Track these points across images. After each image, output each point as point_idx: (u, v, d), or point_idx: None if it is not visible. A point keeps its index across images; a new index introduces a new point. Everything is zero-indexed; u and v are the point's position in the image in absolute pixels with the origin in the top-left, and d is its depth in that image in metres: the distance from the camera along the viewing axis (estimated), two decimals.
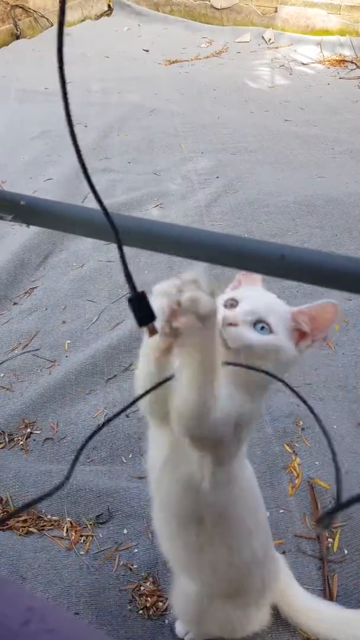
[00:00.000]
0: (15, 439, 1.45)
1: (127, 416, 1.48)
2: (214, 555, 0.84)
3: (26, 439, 1.45)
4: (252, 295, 0.78)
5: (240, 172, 2.76)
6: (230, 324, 0.71)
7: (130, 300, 0.54)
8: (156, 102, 3.75)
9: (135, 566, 1.17)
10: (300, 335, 0.76)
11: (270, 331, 0.72)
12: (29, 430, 1.47)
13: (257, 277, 0.84)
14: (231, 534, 0.84)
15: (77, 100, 3.74)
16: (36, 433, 1.47)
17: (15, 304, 1.95)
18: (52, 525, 1.25)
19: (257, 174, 2.75)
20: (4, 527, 1.24)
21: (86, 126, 3.28)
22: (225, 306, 0.76)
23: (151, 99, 3.83)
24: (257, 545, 0.87)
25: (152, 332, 0.56)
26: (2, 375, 1.66)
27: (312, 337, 0.76)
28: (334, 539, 1.21)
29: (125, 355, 1.71)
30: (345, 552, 1.19)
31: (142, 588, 1.14)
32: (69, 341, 1.78)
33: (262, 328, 0.72)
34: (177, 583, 0.96)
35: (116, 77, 4.21)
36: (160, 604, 1.12)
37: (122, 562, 1.18)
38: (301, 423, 1.48)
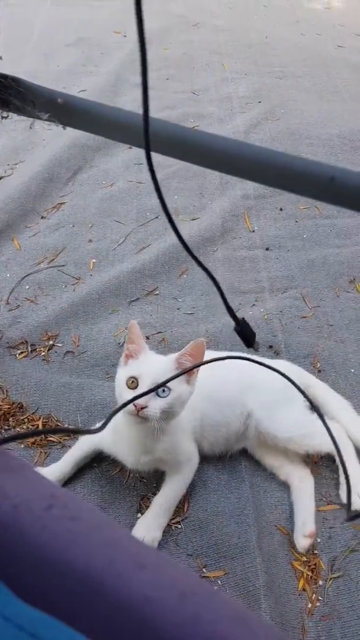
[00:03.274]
0: (38, 350, 1.48)
1: (147, 338, 1.50)
2: None
3: (48, 350, 1.48)
4: (145, 367, 0.99)
5: (284, 98, 2.60)
6: (142, 408, 0.94)
7: (237, 331, 0.66)
8: (200, 15, 3.48)
9: (145, 479, 1.22)
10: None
11: (169, 389, 0.96)
12: (51, 342, 1.50)
13: (142, 343, 1.04)
14: None
15: (117, 7, 3.50)
16: (58, 346, 1.49)
17: (43, 217, 1.93)
18: (68, 436, 1.30)
19: (302, 102, 2.59)
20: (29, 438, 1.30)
21: (125, 36, 3.08)
22: (127, 385, 0.98)
23: (195, 11, 3.55)
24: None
25: (257, 347, 0.69)
26: (27, 287, 1.67)
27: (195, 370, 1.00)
28: None
29: (149, 279, 1.70)
30: None
31: (150, 498, 1.19)
32: (94, 260, 1.77)
33: (164, 391, 0.96)
34: None
35: None
36: None
37: (132, 474, 1.23)
38: (318, 365, 1.48)
